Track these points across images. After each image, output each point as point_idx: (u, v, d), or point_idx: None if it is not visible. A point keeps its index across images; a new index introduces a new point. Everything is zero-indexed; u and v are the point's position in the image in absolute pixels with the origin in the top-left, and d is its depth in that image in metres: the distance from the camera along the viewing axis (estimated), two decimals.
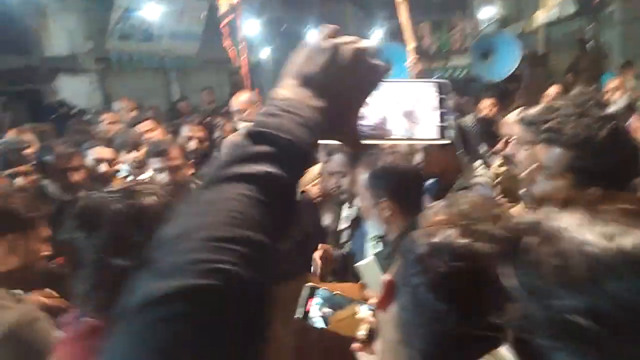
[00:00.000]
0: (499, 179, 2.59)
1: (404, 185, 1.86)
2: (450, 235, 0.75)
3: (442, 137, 0.75)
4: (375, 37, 17.50)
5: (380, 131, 0.74)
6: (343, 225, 2.39)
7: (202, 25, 12.19)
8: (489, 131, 3.12)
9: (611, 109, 3.25)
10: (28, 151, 3.34)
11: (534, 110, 1.56)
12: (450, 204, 0.92)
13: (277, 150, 0.54)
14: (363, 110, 0.70)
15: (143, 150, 3.37)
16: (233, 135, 3.20)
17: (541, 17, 11.80)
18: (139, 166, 3.38)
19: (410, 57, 3.88)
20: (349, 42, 0.65)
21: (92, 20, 9.36)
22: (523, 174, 1.43)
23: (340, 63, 0.63)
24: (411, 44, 3.90)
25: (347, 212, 2.40)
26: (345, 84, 0.63)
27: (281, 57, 19.40)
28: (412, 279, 0.75)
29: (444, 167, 2.58)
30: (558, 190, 1.30)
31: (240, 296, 0.46)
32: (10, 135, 4.47)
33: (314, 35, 0.67)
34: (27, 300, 1.60)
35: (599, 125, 1.29)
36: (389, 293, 0.80)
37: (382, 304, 0.80)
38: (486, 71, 7.04)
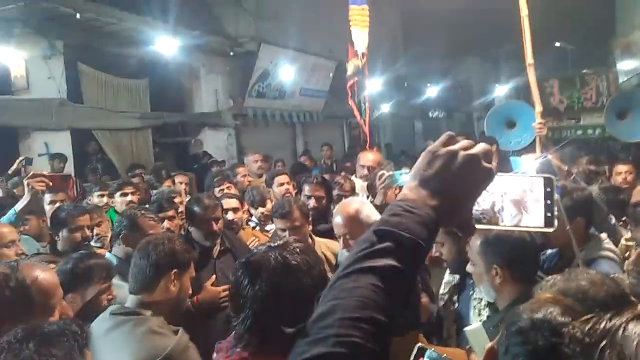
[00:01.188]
0: (628, 252, 2.43)
1: (518, 254, 1.88)
2: (553, 312, 0.82)
3: (548, 225, 0.85)
4: (500, 92, 17.09)
5: (491, 218, 0.85)
6: (442, 289, 2.43)
7: (329, 83, 13.05)
8: (619, 200, 2.93)
9: None
10: (177, 199, 3.90)
11: None
12: (565, 279, 1.00)
13: (398, 246, 0.69)
14: (477, 202, 0.81)
15: (269, 205, 3.74)
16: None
17: None
18: (265, 219, 3.75)
19: (537, 120, 3.83)
20: (464, 148, 0.77)
21: (235, 81, 10.58)
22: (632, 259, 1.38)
23: (454, 167, 0.76)
24: (538, 107, 3.86)
25: (447, 277, 2.44)
26: (458, 185, 0.76)
27: (401, 111, 19.79)
28: (512, 348, 0.84)
29: (566, 239, 2.51)
30: None
31: None
32: (166, 184, 5.23)
33: (435, 143, 0.80)
34: (182, 332, 1.91)
35: None
36: (491, 358, 0.90)
37: None
38: (623, 131, 6.53)
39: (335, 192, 3.76)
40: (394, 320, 0.69)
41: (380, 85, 12.52)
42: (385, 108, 15.81)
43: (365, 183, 3.98)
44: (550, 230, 0.86)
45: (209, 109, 10.29)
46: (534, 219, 0.85)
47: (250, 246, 3.34)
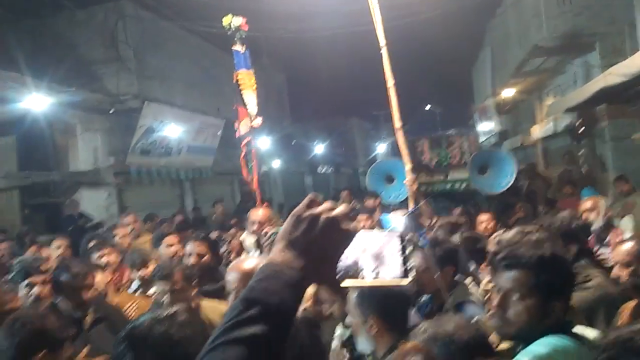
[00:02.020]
0: (487, 295, 2.70)
1: (390, 304, 1.98)
2: None
3: (404, 276, 0.92)
4: (381, 149, 18.41)
5: (354, 273, 0.91)
6: (335, 342, 2.49)
7: (217, 140, 13.02)
8: (477, 249, 3.26)
9: (592, 227, 3.43)
10: (44, 266, 3.55)
11: (507, 235, 1.70)
12: (435, 325, 1.08)
13: (264, 312, 0.72)
14: (340, 259, 0.86)
15: (152, 267, 3.56)
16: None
17: (537, 131, 12.48)
18: (147, 283, 3.55)
19: (408, 177, 4.18)
20: (324, 211, 0.83)
21: (116, 138, 10.10)
22: (493, 304, 1.51)
23: (317, 230, 0.81)
24: (408, 165, 4.22)
25: (339, 331, 2.50)
26: (321, 245, 0.80)
27: (290, 167, 20.31)
28: None
29: (437, 285, 2.73)
30: (529, 309, 1.42)
31: None
32: (30, 251, 4.73)
33: (299, 207, 0.84)
34: None
35: (546, 244, 1.44)
36: None
37: None
38: (484, 185, 7.35)
39: (223, 249, 3.71)
40: None
41: (269, 144, 12.80)
42: (276, 164, 16.10)
43: (255, 238, 3.98)
44: (407, 281, 0.94)
45: (87, 167, 9.66)
46: (391, 272, 0.93)
47: (128, 312, 3.12)
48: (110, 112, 9.56)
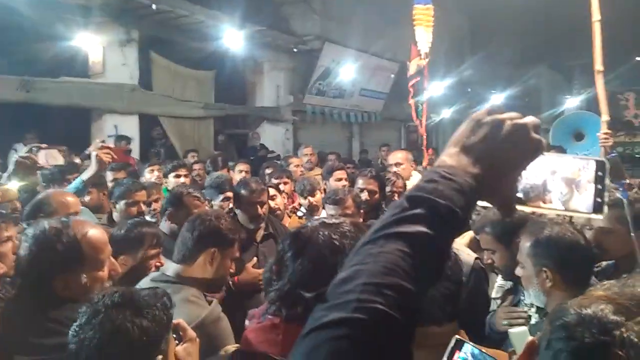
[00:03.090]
0: None
1: (570, 257, 1.77)
2: (605, 309, 0.76)
3: (597, 211, 0.80)
4: (571, 104, 16.26)
5: (538, 195, 0.81)
6: (493, 294, 2.34)
7: (389, 85, 12.96)
8: None
9: None
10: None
11: None
12: (622, 284, 0.91)
13: (431, 213, 0.64)
14: (520, 177, 0.76)
15: (318, 196, 3.76)
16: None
17: None
18: (313, 209, 3.78)
19: (603, 130, 3.64)
20: (511, 117, 0.72)
21: (297, 78, 10.75)
22: None
23: (500, 135, 0.70)
24: (605, 116, 3.66)
25: (500, 281, 2.35)
26: (503, 155, 0.70)
27: (462, 118, 19.13)
28: (555, 343, 0.78)
29: (626, 250, 2.35)
30: None
31: (386, 330, 0.58)
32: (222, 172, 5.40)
33: (479, 112, 0.75)
34: (215, 303, 1.96)
35: None
36: (531, 353, 0.84)
37: None
38: None
39: (387, 189, 3.74)
40: (423, 292, 0.64)
41: (442, 89, 12.27)
42: (447, 113, 15.49)
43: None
44: (600, 217, 0.82)
45: (270, 104, 10.52)
46: (582, 203, 0.80)
47: None
48: (295, 51, 10.12)
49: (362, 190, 3.49)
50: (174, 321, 1.31)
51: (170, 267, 2.06)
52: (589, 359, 0.75)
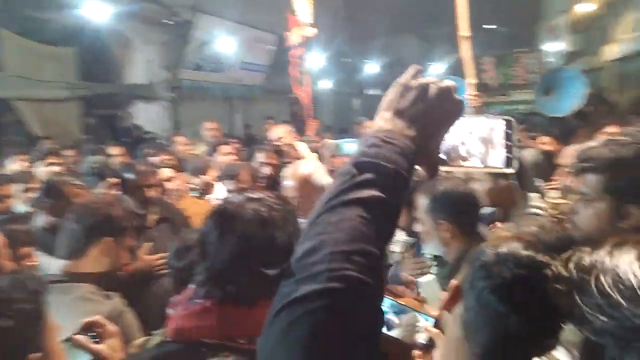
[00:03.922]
0: (555, 210, 2.60)
1: (464, 209, 1.96)
2: (516, 246, 0.85)
3: (509, 166, 0.88)
4: (436, 70, 17.57)
5: (455, 159, 0.87)
6: (395, 248, 2.49)
7: (269, 57, 12.82)
8: (550, 164, 3.11)
9: None
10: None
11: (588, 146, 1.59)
12: (517, 226, 1.03)
13: (380, 177, 0.66)
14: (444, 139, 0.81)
15: (212, 173, 3.64)
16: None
17: (611, 52, 11.46)
18: (207, 188, 3.66)
19: (469, 91, 3.96)
20: (434, 81, 0.76)
21: (170, 52, 10.11)
22: (568, 207, 1.48)
23: (428, 98, 0.74)
24: (471, 79, 3.98)
25: (402, 237, 2.49)
26: (431, 116, 0.74)
27: (339, 88, 19.86)
28: (477, 282, 0.86)
29: (502, 198, 2.64)
30: (597, 216, 1.35)
31: (361, 295, 0.59)
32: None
33: (403, 75, 0.78)
34: (116, 297, 1.81)
35: (627, 147, 1.32)
36: (455, 296, 0.92)
37: (448, 305, 0.93)
38: (549, 107, 6.92)
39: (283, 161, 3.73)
40: (383, 252, 0.66)
41: (321, 61, 12.45)
42: (325, 84, 15.80)
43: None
44: (511, 171, 0.89)
45: (142, 81, 9.81)
46: (495, 160, 0.88)
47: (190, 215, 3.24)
48: (168, 23, 9.48)
49: (264, 164, 3.45)
50: (88, 320, 1.18)
51: (54, 265, 1.86)
52: (509, 292, 0.84)
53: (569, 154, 2.57)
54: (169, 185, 3.26)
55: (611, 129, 4.04)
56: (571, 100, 6.84)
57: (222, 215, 1.18)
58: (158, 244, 2.75)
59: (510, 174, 2.64)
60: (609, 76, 12.33)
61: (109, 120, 9.66)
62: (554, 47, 15.05)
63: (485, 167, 0.89)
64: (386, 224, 0.66)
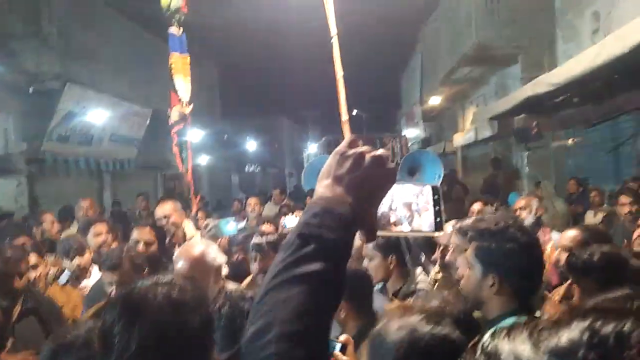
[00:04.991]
0: (436, 284, 2.80)
1: (357, 287, 2.00)
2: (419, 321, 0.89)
3: (438, 229, 0.91)
4: (312, 149, 18.53)
5: (385, 225, 0.89)
6: None
7: (143, 131, 12.39)
8: (427, 242, 3.37)
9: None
10: None
11: (466, 222, 1.81)
12: (424, 299, 1.08)
13: (323, 248, 0.68)
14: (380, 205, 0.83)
15: (87, 256, 3.30)
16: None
17: (460, 139, 13.18)
18: (81, 273, 3.28)
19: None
20: (369, 151, 0.80)
21: (30, 122, 9.26)
22: (458, 273, 1.65)
23: (363, 166, 0.77)
24: None
25: None
26: (367, 183, 0.77)
27: (217, 164, 19.83)
28: None
29: (389, 274, 2.78)
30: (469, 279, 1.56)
31: None
32: None
33: (341, 145, 0.81)
34: None
35: (488, 221, 1.58)
36: None
37: None
38: None
39: (166, 241, 3.51)
40: (330, 319, 0.68)
41: (200, 136, 12.39)
42: (203, 160, 15.62)
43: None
44: (440, 234, 0.94)
45: None
46: (426, 224, 0.91)
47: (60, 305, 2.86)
48: (30, 91, 8.74)
49: (137, 242, 3.20)
50: None
51: None
52: None
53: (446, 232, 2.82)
54: (34, 274, 2.87)
55: (476, 206, 4.61)
56: (431, 180, 7.66)
57: (128, 303, 1.08)
58: (24, 339, 2.37)
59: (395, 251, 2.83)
60: (458, 160, 14.09)
61: None
62: (412, 133, 16.91)
63: (414, 231, 0.92)
64: (332, 295, 0.69)
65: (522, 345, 0.62)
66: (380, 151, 0.81)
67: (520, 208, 4.00)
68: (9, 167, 8.95)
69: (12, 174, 9.05)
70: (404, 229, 0.91)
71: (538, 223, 3.91)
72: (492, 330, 0.61)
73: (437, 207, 0.91)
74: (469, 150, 13.39)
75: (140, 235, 3.25)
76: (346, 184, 0.76)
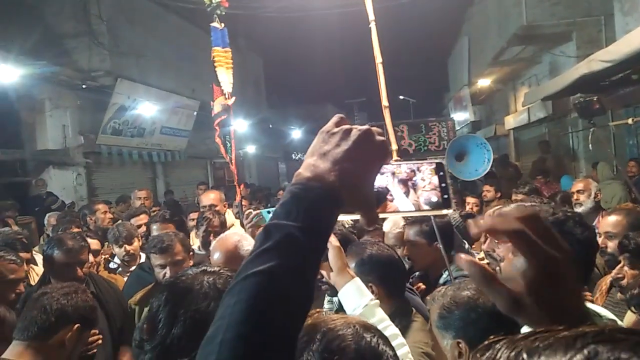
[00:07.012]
0: None
1: (391, 271, 1.98)
2: None
3: (446, 207, 0.86)
4: None
5: (382, 204, 0.83)
6: (325, 307, 2.45)
7: (192, 122, 12.74)
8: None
9: (580, 209, 3.47)
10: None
11: (508, 208, 1.72)
12: (456, 288, 1.02)
13: (286, 240, 0.64)
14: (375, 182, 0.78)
15: (136, 243, 3.42)
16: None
17: (511, 121, 12.72)
18: (130, 259, 3.42)
19: (392, 158, 4.16)
20: (355, 126, 0.75)
21: (86, 116, 9.73)
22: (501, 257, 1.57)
23: (350, 141, 0.73)
24: (394, 145, 4.20)
25: (326, 305, 2.46)
26: (355, 157, 0.72)
27: (264, 152, 20.11)
28: None
29: (430, 262, 2.71)
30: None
31: None
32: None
33: (328, 124, 0.77)
34: None
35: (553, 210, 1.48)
36: None
37: None
38: (460, 172, 7.43)
39: (202, 229, 3.60)
40: (296, 320, 0.62)
41: (245, 127, 12.58)
42: (251, 149, 15.88)
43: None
44: (450, 211, 0.89)
45: (55, 146, 9.27)
46: (427, 202, 0.87)
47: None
48: (83, 87, 9.16)
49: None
50: None
51: (12, 345, 1.73)
52: None
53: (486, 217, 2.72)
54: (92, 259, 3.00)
55: (519, 197, 4.43)
56: (480, 165, 7.42)
57: (174, 289, 1.10)
58: None
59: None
60: (510, 143, 13.60)
61: (18, 188, 8.93)
62: (460, 117, 16.45)
63: (420, 210, 0.87)
64: (292, 288, 0.63)
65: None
66: (368, 125, 0.77)
67: (578, 191, 3.77)
68: (68, 160, 9.46)
69: (71, 167, 9.56)
70: (408, 209, 0.86)
71: (597, 207, 3.69)
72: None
73: (443, 184, 0.87)
74: (522, 133, 12.89)
75: (160, 229, 3.31)
76: (331, 158, 0.71)
